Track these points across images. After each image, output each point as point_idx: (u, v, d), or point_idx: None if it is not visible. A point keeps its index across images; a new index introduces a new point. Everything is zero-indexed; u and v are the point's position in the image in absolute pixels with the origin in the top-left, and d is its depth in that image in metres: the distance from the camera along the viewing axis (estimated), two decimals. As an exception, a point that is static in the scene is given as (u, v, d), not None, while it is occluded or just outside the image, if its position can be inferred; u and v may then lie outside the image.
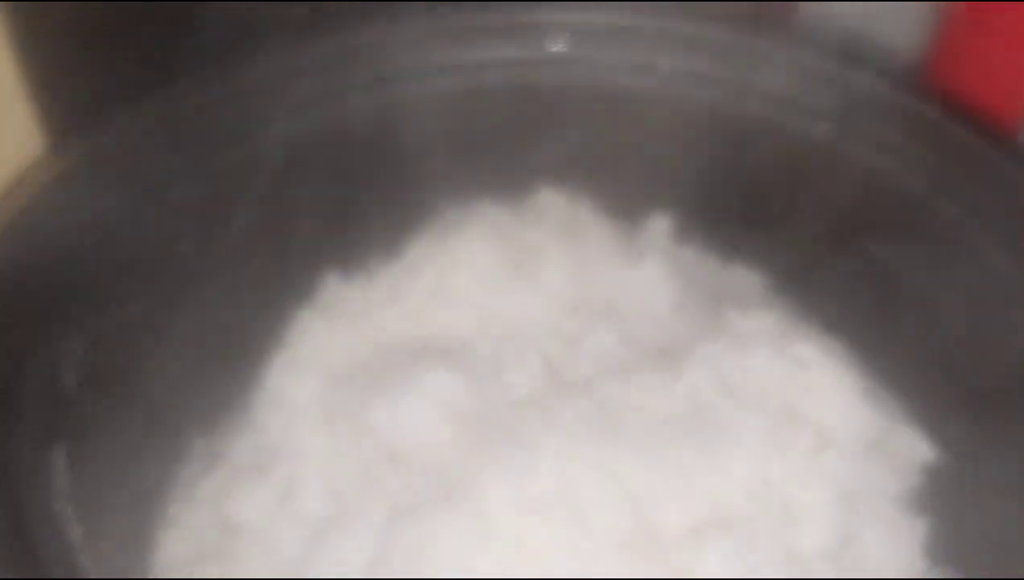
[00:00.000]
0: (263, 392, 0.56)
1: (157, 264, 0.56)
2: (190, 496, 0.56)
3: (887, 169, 0.61)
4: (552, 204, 0.63)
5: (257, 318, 0.61)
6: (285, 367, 0.56)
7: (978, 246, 0.55)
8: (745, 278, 0.68)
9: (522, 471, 0.48)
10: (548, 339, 0.56)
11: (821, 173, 0.64)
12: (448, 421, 0.51)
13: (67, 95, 0.61)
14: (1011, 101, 0.63)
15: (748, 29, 0.66)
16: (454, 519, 0.47)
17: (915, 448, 0.54)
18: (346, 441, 0.52)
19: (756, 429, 0.51)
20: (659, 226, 0.65)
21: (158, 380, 0.56)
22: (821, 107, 0.63)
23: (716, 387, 0.53)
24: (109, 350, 0.52)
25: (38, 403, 0.45)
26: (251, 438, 0.56)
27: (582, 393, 0.52)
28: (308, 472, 0.52)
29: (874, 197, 0.61)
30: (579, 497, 0.48)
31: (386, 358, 0.55)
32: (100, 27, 0.63)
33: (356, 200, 0.65)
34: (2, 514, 0.40)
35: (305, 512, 0.51)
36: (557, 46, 0.67)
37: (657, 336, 0.57)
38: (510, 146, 0.69)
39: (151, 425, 0.56)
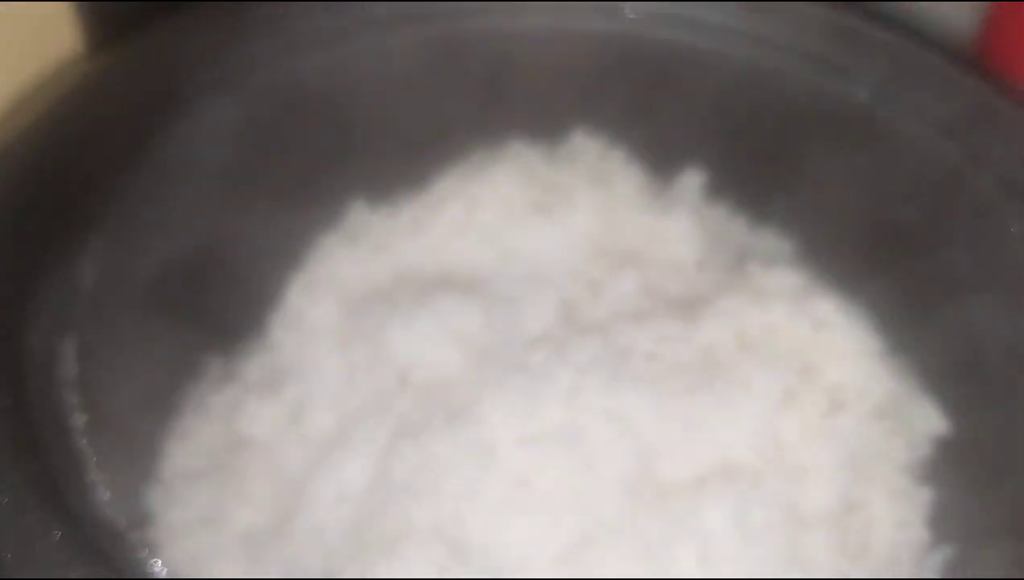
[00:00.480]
0: (280, 312, 0.56)
1: (182, 175, 0.56)
2: (201, 410, 0.56)
3: (925, 140, 0.59)
4: (585, 149, 0.62)
5: (282, 239, 0.61)
6: (304, 288, 0.56)
7: (1008, 220, 0.54)
8: (773, 241, 0.66)
9: (529, 404, 0.48)
10: (569, 281, 0.55)
11: (858, 140, 0.62)
12: (460, 350, 0.51)
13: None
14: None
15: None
16: (456, 444, 0.46)
17: (928, 418, 0.53)
18: (358, 363, 0.52)
19: (769, 385, 0.50)
20: (692, 181, 0.64)
21: (177, 290, 0.57)
22: (863, 72, 0.61)
23: (732, 340, 0.52)
24: (129, 252, 0.52)
25: (54, 293, 0.45)
26: (265, 356, 0.56)
27: (597, 335, 0.51)
28: (318, 392, 0.52)
29: (910, 168, 0.60)
30: (585, 437, 0.48)
31: (404, 286, 0.55)
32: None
33: (389, 132, 0.64)
34: (7, 391, 0.40)
35: (312, 430, 0.51)
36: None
37: (678, 287, 0.56)
38: (548, 90, 0.68)
39: (168, 334, 0.56)
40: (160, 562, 0.47)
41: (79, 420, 0.42)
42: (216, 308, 0.60)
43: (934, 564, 0.50)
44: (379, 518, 0.46)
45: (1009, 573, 0.45)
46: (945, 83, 0.60)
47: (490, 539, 0.45)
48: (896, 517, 0.50)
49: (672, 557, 0.45)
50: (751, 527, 0.46)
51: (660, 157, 0.67)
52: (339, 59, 0.62)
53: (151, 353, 0.55)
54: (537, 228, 0.57)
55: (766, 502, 0.47)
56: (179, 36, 0.57)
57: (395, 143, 0.64)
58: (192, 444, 0.55)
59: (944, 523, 0.52)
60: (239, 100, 0.58)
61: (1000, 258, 0.54)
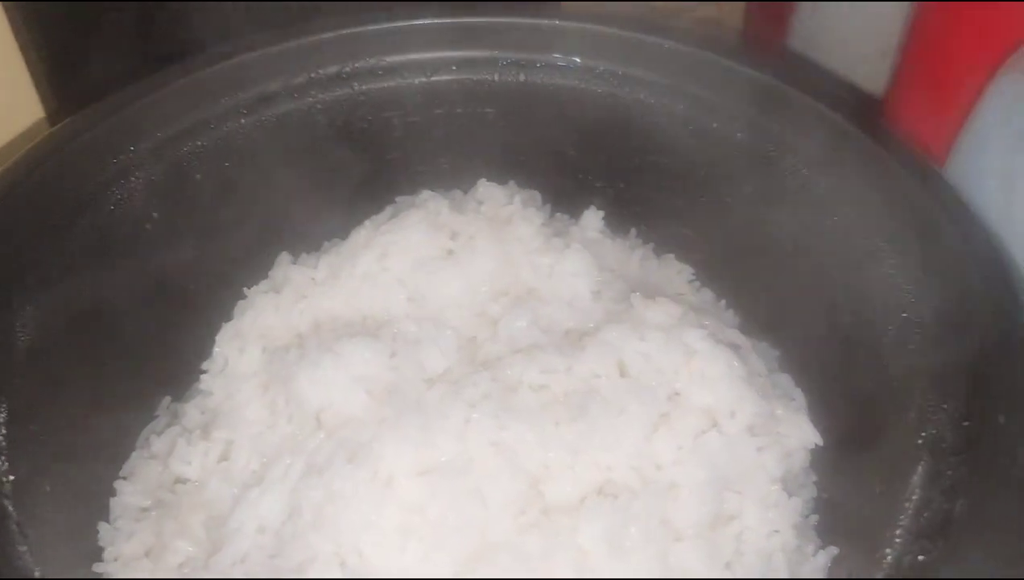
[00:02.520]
0: (211, 361, 0.59)
1: (120, 239, 0.60)
2: (147, 451, 0.59)
3: (808, 176, 0.62)
4: (489, 196, 0.65)
5: (223, 291, 0.65)
6: (231, 338, 0.59)
7: (871, 247, 0.56)
8: (673, 268, 0.69)
9: (423, 439, 0.51)
10: (469, 320, 0.59)
11: (741, 172, 0.65)
12: (365, 391, 0.54)
13: (69, 75, 0.65)
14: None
15: (686, 39, 0.68)
16: (356, 479, 0.49)
17: (801, 432, 0.56)
18: (278, 406, 0.55)
19: (645, 409, 0.53)
20: (591, 219, 0.67)
21: (125, 345, 0.60)
22: (741, 111, 0.64)
23: (613, 369, 0.54)
24: (66, 313, 0.55)
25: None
26: (200, 401, 0.59)
27: (489, 371, 0.54)
28: (243, 434, 0.55)
29: (786, 200, 0.62)
30: (474, 466, 0.51)
31: (319, 333, 0.58)
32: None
33: (316, 188, 0.68)
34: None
35: (237, 469, 0.55)
36: (505, 47, 0.69)
37: (572, 320, 0.59)
38: (463, 142, 0.71)
39: (119, 384, 0.60)
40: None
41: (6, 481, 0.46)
42: (166, 356, 0.64)
43: (809, 568, 0.53)
44: (291, 547, 0.50)
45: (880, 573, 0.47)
46: (820, 126, 0.62)
47: (386, 563, 0.48)
48: (768, 526, 0.53)
49: (550, 571, 0.48)
50: (624, 541, 0.49)
51: (568, 197, 0.70)
52: (263, 123, 0.66)
53: (110, 398, 0.59)
54: (443, 273, 0.60)
55: (639, 518, 0.50)
56: (117, 110, 0.61)
57: (320, 199, 0.67)
58: (139, 484, 0.59)
59: (816, 529, 0.55)
60: (170, 168, 0.62)
61: (860, 279, 0.57)
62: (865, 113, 0.64)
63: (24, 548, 0.45)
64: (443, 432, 0.51)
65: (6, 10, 0.65)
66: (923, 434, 0.46)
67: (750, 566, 0.51)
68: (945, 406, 0.45)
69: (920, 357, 0.49)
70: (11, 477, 0.47)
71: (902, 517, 0.42)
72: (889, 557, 0.41)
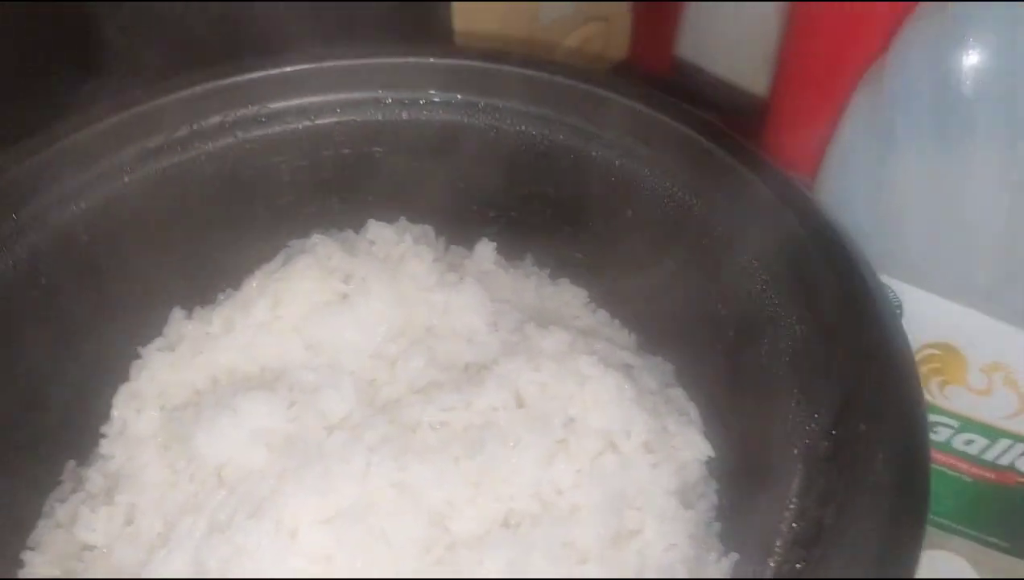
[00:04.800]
0: (109, 424, 0.59)
1: (9, 307, 0.59)
2: (52, 520, 0.59)
3: (683, 198, 0.64)
4: (379, 235, 0.66)
5: (117, 353, 0.64)
6: (128, 399, 0.59)
7: (745, 264, 0.59)
8: (569, 293, 0.71)
9: (324, 488, 0.52)
10: (367, 363, 0.59)
11: (621, 197, 0.67)
12: (264, 444, 0.54)
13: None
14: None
15: (564, 70, 0.70)
16: (261, 533, 0.50)
17: (694, 446, 0.58)
18: (179, 467, 0.55)
19: (541, 439, 0.54)
20: (484, 251, 0.69)
21: (20, 412, 0.59)
22: (618, 139, 0.66)
23: (510, 401, 0.56)
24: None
25: None
26: (102, 466, 0.59)
27: (386, 414, 0.55)
28: (146, 497, 0.55)
29: (670, 222, 0.65)
30: (377, 509, 0.52)
31: (216, 388, 0.58)
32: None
33: (207, 241, 0.68)
34: None
35: (141, 532, 0.54)
36: (386, 89, 0.70)
37: (467, 354, 0.60)
38: (352, 183, 0.72)
39: (18, 453, 0.59)
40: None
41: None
42: (63, 420, 0.63)
43: (705, 570, 0.55)
44: (198, 608, 0.50)
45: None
46: (693, 150, 0.64)
47: (295, 614, 0.49)
48: (666, 540, 0.55)
49: (458, 606, 0.49)
50: (528, 568, 0.51)
51: (460, 229, 0.72)
52: (147, 179, 0.66)
53: (11, 465, 0.59)
54: (338, 317, 0.61)
55: (543, 544, 0.52)
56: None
57: (212, 249, 0.68)
58: (46, 554, 0.58)
59: (719, 536, 0.57)
60: (54, 233, 0.61)
61: (738, 295, 0.60)
62: (743, 126, 0.67)
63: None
64: (344, 478, 0.52)
65: None
66: (799, 444, 0.48)
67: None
68: (817, 415, 0.48)
69: (793, 370, 0.52)
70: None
71: (782, 526, 0.45)
72: (772, 565, 0.43)
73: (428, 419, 0.55)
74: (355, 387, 0.57)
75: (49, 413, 0.62)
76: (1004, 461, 0.66)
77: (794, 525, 0.44)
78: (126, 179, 0.65)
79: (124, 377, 0.63)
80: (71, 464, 0.63)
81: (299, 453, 0.54)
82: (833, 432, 0.46)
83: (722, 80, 0.95)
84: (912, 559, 0.39)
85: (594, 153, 0.68)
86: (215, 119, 0.68)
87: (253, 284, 0.63)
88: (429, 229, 0.71)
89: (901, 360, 0.47)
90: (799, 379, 0.51)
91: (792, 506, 0.45)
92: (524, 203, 0.73)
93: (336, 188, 0.72)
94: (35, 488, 0.62)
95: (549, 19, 0.90)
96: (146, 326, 0.64)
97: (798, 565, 0.42)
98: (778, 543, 0.44)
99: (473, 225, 0.73)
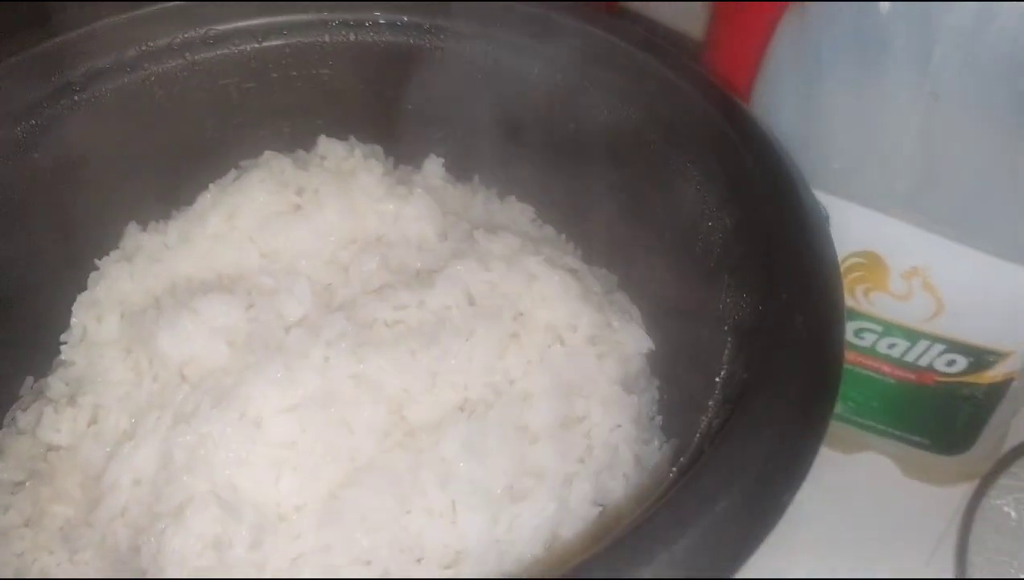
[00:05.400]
0: (70, 332, 0.60)
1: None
2: (14, 428, 0.60)
3: (621, 113, 0.67)
4: (330, 152, 0.68)
5: (74, 268, 0.65)
6: (88, 308, 0.60)
7: (679, 170, 0.62)
8: (516, 209, 0.74)
9: (285, 380, 0.54)
10: (322, 269, 0.61)
11: (562, 114, 0.70)
12: (225, 342, 0.56)
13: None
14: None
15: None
16: (224, 422, 0.52)
17: (635, 339, 0.62)
18: (142, 367, 0.57)
19: (494, 332, 0.57)
20: (432, 168, 0.71)
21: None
22: (559, 57, 0.68)
23: (462, 299, 0.59)
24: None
25: None
26: (63, 373, 0.60)
27: (344, 312, 0.57)
28: (110, 397, 0.57)
29: (611, 137, 0.68)
30: (337, 399, 0.54)
31: (175, 295, 0.60)
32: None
33: (160, 159, 0.69)
34: None
35: (107, 430, 0.56)
36: (331, 11, 0.71)
37: (418, 260, 0.63)
38: (301, 104, 0.74)
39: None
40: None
41: None
42: (25, 336, 0.64)
43: (649, 455, 0.59)
44: (166, 493, 0.52)
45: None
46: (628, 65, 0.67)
47: (261, 495, 0.51)
48: (611, 421, 0.58)
49: (418, 484, 0.52)
50: (484, 448, 0.54)
51: (408, 148, 0.74)
52: (99, 98, 0.67)
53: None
54: (292, 228, 0.62)
55: (496, 426, 0.54)
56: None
57: (165, 170, 0.69)
58: (10, 459, 0.59)
59: (661, 428, 0.61)
60: (4, 150, 0.62)
61: (675, 200, 0.63)
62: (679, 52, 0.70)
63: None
64: (304, 370, 0.54)
65: None
66: (728, 321, 0.52)
67: (599, 459, 0.57)
68: (745, 295, 0.52)
69: (724, 257, 0.55)
70: None
71: (716, 391, 0.48)
72: (702, 424, 0.47)
73: (383, 317, 0.58)
74: (311, 290, 0.59)
75: (6, 331, 0.63)
76: (923, 362, 0.70)
77: (724, 388, 0.47)
78: (76, 97, 0.65)
79: (81, 289, 0.64)
80: (29, 380, 0.64)
81: (260, 349, 0.56)
82: (760, 308, 0.50)
83: (661, 24, 0.97)
84: (830, 399, 0.43)
85: (536, 71, 0.70)
86: (163, 40, 0.69)
87: (207, 198, 0.64)
88: (378, 148, 0.73)
89: (820, 242, 0.51)
90: (729, 266, 0.54)
91: (723, 373, 0.49)
92: (470, 123, 0.74)
93: (285, 110, 0.74)
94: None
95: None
96: (101, 242, 0.65)
97: (724, 419, 0.45)
98: (710, 405, 0.48)
99: (420, 145, 0.75)
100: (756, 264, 0.51)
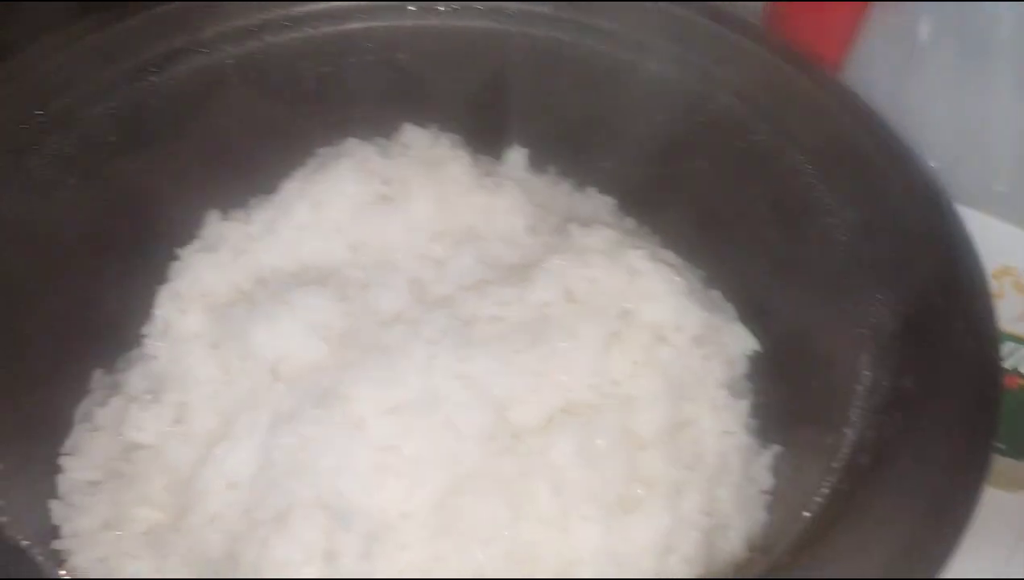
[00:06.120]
0: (152, 325, 0.56)
1: (42, 210, 0.56)
2: (90, 424, 0.56)
3: (710, 96, 0.63)
4: (416, 139, 0.64)
5: (148, 258, 0.62)
6: (171, 300, 0.56)
7: (788, 162, 0.59)
8: (597, 201, 0.70)
9: (389, 379, 0.50)
10: (414, 262, 0.58)
11: (655, 102, 0.66)
12: (321, 338, 0.53)
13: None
14: (835, 49, 0.67)
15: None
16: (327, 423, 0.48)
17: (741, 340, 0.58)
18: (231, 364, 0.53)
19: (596, 330, 0.54)
20: (516, 159, 0.67)
21: (53, 318, 0.57)
22: (655, 44, 0.65)
23: (562, 296, 0.55)
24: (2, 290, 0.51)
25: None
26: (144, 367, 0.56)
27: (444, 308, 0.54)
28: (197, 394, 0.53)
29: (700, 121, 0.64)
30: (442, 400, 0.50)
31: (264, 287, 0.56)
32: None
33: (236, 145, 0.65)
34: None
35: (196, 429, 0.53)
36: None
37: (513, 255, 0.59)
38: (378, 90, 0.70)
39: (50, 356, 0.56)
40: (64, 571, 0.48)
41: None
42: (94, 327, 0.60)
43: (762, 463, 0.56)
44: (266, 498, 0.48)
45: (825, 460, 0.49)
46: (725, 49, 0.64)
47: (367, 502, 0.48)
48: (721, 427, 0.55)
49: (529, 492, 0.49)
50: (593, 454, 0.50)
51: (488, 138, 0.70)
52: (175, 80, 0.63)
53: (37, 375, 0.56)
54: (380, 218, 0.59)
55: (605, 431, 0.51)
56: (16, 76, 0.56)
57: (240, 155, 0.65)
58: (86, 458, 0.56)
59: (763, 428, 0.57)
60: (81, 132, 0.58)
61: (781, 194, 0.60)
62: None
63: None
64: (407, 370, 0.51)
65: None
66: (863, 324, 0.48)
67: (710, 466, 0.54)
68: (879, 296, 0.48)
69: (851, 257, 0.52)
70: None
71: (855, 399, 0.45)
72: (849, 435, 0.43)
73: (484, 314, 0.54)
74: (406, 284, 0.56)
75: (75, 321, 0.59)
76: (1008, 364, 0.67)
77: (870, 397, 0.44)
78: (152, 80, 0.62)
79: (156, 280, 0.61)
80: (98, 373, 0.61)
81: (358, 346, 0.52)
82: (900, 309, 0.46)
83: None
84: (997, 413, 0.39)
85: (626, 57, 0.66)
86: (240, 21, 0.65)
87: (291, 186, 0.60)
88: (457, 137, 0.69)
89: (963, 239, 0.47)
90: (858, 264, 0.51)
91: (864, 380, 0.45)
92: (549, 113, 0.71)
93: (360, 96, 0.70)
94: (64, 397, 0.59)
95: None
96: (172, 230, 0.61)
97: (875, 431, 0.42)
98: (852, 415, 0.44)
99: (498, 134, 0.71)
100: (895, 263, 0.48)
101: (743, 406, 0.56)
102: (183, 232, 0.62)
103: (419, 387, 0.51)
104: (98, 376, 0.60)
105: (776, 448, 0.56)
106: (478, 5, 0.68)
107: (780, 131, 0.60)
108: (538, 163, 0.71)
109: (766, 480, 0.55)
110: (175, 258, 0.59)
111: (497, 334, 0.53)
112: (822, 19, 0.69)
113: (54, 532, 0.52)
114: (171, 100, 0.62)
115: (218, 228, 0.59)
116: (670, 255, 0.61)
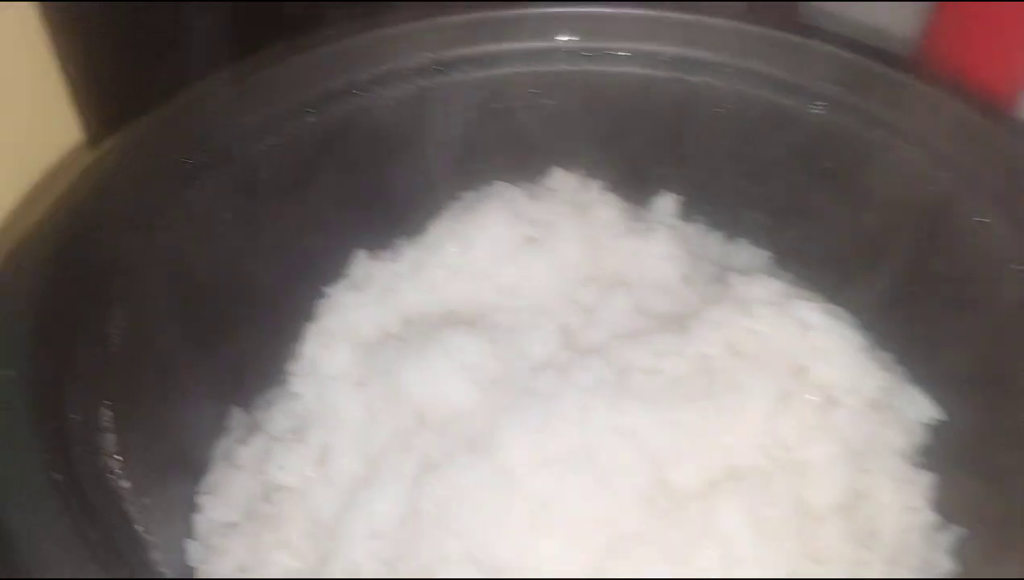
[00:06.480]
0: (297, 362, 0.55)
1: (196, 243, 0.55)
2: (230, 463, 0.55)
3: (881, 143, 0.59)
4: (564, 183, 0.62)
5: (292, 295, 0.61)
6: (317, 338, 0.55)
7: (970, 211, 0.54)
8: (750, 252, 0.66)
9: (542, 429, 0.47)
10: (564, 308, 0.55)
11: (819, 150, 0.62)
12: (471, 382, 0.50)
13: (105, 88, 0.61)
14: (1007, 81, 0.62)
15: (743, 16, 0.65)
16: (479, 474, 0.45)
17: (919, 406, 0.53)
18: (376, 404, 0.51)
19: (764, 388, 0.49)
20: (666, 204, 0.64)
21: (196, 350, 0.56)
22: (817, 87, 0.61)
23: (724, 349, 0.51)
24: (152, 322, 0.51)
25: (88, 368, 0.44)
26: (287, 406, 0.55)
27: (598, 356, 0.50)
28: (342, 435, 0.51)
29: (869, 170, 0.60)
30: (598, 454, 0.47)
31: (412, 328, 0.54)
32: (133, 25, 0.63)
33: (384, 185, 0.64)
34: (59, 467, 0.39)
35: (339, 473, 0.50)
36: (566, 36, 0.66)
37: (667, 303, 0.55)
38: (525, 132, 0.68)
39: (191, 393, 0.55)
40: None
41: (124, 486, 0.41)
42: (236, 364, 0.59)
43: (944, 544, 0.50)
44: (412, 550, 0.45)
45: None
46: (894, 90, 0.60)
47: (520, 560, 0.44)
48: (902, 502, 0.50)
49: (694, 560, 0.44)
50: (765, 525, 0.46)
51: (635, 185, 0.67)
52: (329, 121, 0.62)
53: (178, 413, 0.55)
54: (527, 261, 0.56)
55: (776, 500, 0.46)
56: (174, 117, 0.57)
57: (387, 196, 0.64)
58: (225, 497, 0.54)
59: (948, 505, 0.51)
60: (239, 168, 0.58)
61: (966, 250, 0.55)
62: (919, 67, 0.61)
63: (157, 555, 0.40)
64: (561, 419, 0.47)
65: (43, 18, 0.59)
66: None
67: (889, 545, 0.48)
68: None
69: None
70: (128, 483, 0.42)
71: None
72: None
73: (639, 363, 0.50)
74: (556, 329, 0.53)
75: (219, 357, 0.58)
76: None
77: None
78: (310, 119, 0.61)
79: (301, 318, 0.59)
80: (237, 411, 0.59)
81: (509, 392, 0.49)
82: None
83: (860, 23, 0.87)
84: None
85: (787, 103, 0.63)
86: (392, 64, 0.64)
87: (439, 227, 0.58)
88: (603, 184, 0.66)
89: None
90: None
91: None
92: (699, 160, 0.68)
93: (506, 140, 0.68)
94: (204, 435, 0.58)
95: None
96: (315, 268, 0.60)
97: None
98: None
99: (645, 181, 0.68)
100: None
101: (926, 480, 0.51)
102: (329, 271, 0.61)
103: (573, 438, 0.47)
104: (237, 414, 0.59)
105: (958, 530, 0.50)
106: (630, 51, 0.66)
107: (961, 180, 0.55)
108: (686, 212, 0.68)
109: (947, 564, 0.49)
110: (322, 296, 0.57)
111: (655, 386, 0.49)
112: (995, 50, 0.64)
113: (189, 572, 0.50)
114: (325, 140, 0.62)
115: (365, 267, 0.58)
116: (838, 310, 0.56)
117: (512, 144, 0.68)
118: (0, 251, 0.49)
